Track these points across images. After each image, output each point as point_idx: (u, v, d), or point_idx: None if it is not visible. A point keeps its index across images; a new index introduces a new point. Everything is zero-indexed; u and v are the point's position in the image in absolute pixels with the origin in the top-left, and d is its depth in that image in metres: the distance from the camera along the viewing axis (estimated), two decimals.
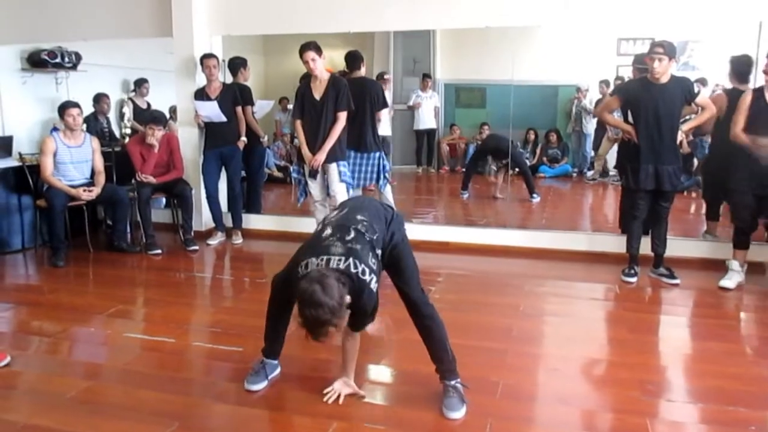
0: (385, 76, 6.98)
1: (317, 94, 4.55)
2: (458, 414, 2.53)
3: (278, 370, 2.89)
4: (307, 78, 4.64)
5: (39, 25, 5.73)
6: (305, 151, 4.62)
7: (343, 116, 4.56)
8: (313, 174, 4.64)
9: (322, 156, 4.55)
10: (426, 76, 8.71)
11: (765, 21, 4.55)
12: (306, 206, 5.06)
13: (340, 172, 4.62)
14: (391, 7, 5.15)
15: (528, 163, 7.98)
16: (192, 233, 5.45)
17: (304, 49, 4.43)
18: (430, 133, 8.94)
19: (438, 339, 2.63)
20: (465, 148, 9.06)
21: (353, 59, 5.17)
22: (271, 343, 2.85)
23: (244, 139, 5.55)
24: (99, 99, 6.62)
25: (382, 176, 5.11)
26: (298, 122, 4.67)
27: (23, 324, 3.80)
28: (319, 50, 4.44)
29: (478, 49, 7.50)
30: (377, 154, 5.08)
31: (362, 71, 5.20)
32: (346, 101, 4.54)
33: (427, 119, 8.73)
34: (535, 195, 7.14)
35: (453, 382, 2.62)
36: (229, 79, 5.77)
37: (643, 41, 6.25)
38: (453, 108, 9.28)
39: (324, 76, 4.54)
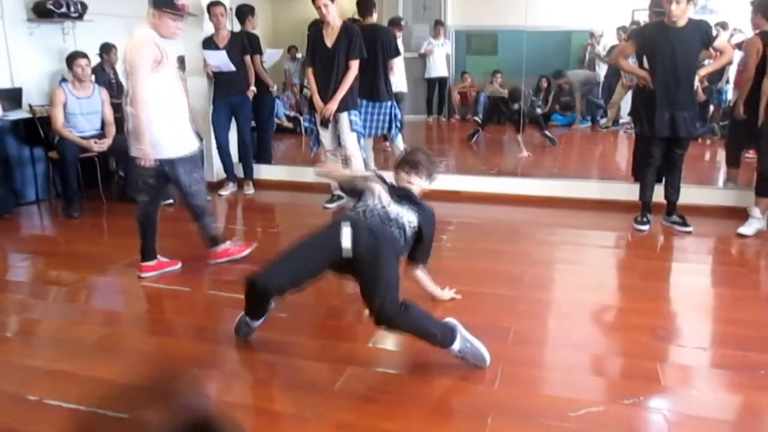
0: (401, 22, 6.83)
1: (329, 42, 4.47)
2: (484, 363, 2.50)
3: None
4: (318, 25, 4.55)
5: None
6: (317, 99, 4.57)
7: (355, 65, 4.49)
8: (325, 123, 4.60)
9: (333, 105, 4.51)
10: (438, 23, 8.55)
11: None
12: (318, 156, 5.04)
13: (351, 121, 4.58)
14: None
15: (539, 111, 7.88)
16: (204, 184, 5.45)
17: None
18: (442, 81, 8.82)
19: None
20: (476, 97, 8.95)
21: (366, 4, 5.05)
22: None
23: (253, 88, 5.50)
24: (106, 49, 6.54)
25: (393, 125, 5.07)
26: (310, 70, 4.61)
27: (41, 273, 3.86)
28: None
29: None
30: (389, 103, 5.02)
31: (374, 17, 5.09)
32: (358, 49, 4.47)
33: (438, 67, 8.61)
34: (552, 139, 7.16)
35: (451, 350, 2.48)
36: (237, 28, 5.68)
37: None
38: (464, 55, 9.15)
39: (336, 23, 4.45)
